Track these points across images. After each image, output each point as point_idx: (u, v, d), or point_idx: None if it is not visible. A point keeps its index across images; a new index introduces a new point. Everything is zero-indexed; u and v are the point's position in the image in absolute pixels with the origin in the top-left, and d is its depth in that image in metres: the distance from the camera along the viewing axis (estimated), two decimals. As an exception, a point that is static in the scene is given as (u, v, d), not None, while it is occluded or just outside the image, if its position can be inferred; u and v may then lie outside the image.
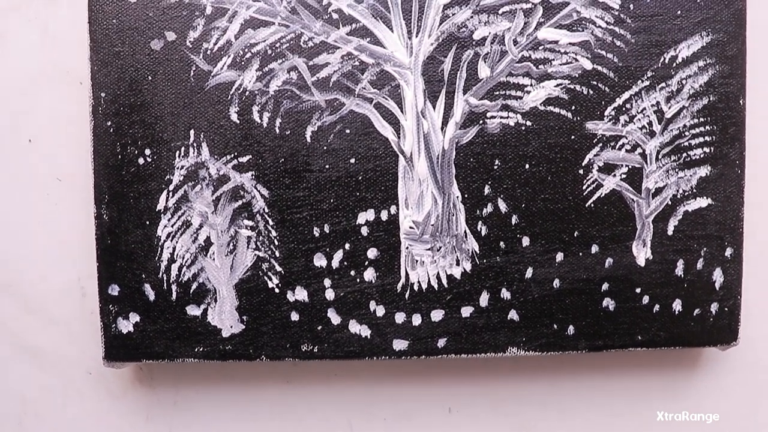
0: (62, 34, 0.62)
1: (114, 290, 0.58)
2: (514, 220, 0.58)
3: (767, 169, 0.62)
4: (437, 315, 0.58)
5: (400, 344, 0.58)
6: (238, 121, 0.57)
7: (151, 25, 0.57)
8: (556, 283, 0.58)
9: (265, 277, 0.58)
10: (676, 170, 0.58)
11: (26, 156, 0.63)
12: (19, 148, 0.63)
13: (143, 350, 0.58)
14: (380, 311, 0.58)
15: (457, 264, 0.58)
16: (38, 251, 0.63)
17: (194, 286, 0.58)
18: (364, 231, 0.57)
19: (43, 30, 0.62)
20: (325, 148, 0.57)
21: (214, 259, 0.58)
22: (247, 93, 0.57)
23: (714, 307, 0.59)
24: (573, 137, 0.57)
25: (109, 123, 0.57)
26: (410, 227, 0.58)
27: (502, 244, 0.58)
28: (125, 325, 0.58)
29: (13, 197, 0.63)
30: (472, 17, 0.57)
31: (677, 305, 0.59)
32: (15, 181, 0.63)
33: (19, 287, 0.64)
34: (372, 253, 0.58)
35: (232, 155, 0.57)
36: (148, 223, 0.57)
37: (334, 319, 0.58)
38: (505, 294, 0.58)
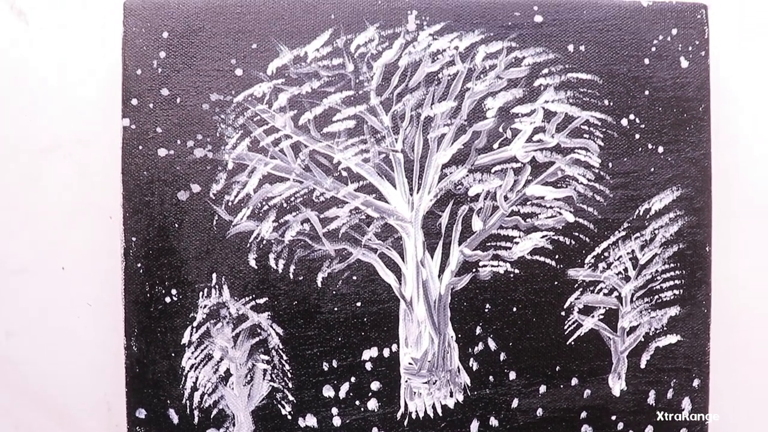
0: (94, 171, 0.68)
1: (141, 413, 0.64)
2: (502, 356, 0.64)
3: (730, 308, 0.69)
4: (433, 440, 0.65)
5: (399, 466, 0.65)
6: (256, 267, 0.63)
7: (178, 178, 0.63)
8: (539, 412, 0.65)
9: (279, 405, 0.64)
10: (649, 311, 0.65)
11: (60, 282, 0.69)
12: (54, 274, 0.69)
13: (167, 467, 0.65)
14: (382, 436, 0.65)
15: (451, 395, 0.64)
16: (67, 367, 0.70)
17: (214, 411, 0.64)
18: (368, 366, 0.64)
19: (76, 168, 0.68)
20: (334, 292, 0.63)
21: (233, 388, 0.64)
22: (265, 242, 0.63)
23: (682, 432, 0.66)
24: (556, 283, 0.64)
25: (139, 264, 0.63)
26: (409, 363, 0.64)
27: (491, 378, 0.64)
28: (151, 445, 0.64)
29: (47, 319, 0.69)
30: (467, 176, 0.63)
31: (649, 430, 0.65)
32: (50, 304, 0.69)
33: (50, 399, 0.70)
34: (375, 385, 0.64)
35: (251, 297, 0.63)
36: (173, 354, 0.64)
37: (340, 443, 0.65)
38: (494, 422, 0.65)
